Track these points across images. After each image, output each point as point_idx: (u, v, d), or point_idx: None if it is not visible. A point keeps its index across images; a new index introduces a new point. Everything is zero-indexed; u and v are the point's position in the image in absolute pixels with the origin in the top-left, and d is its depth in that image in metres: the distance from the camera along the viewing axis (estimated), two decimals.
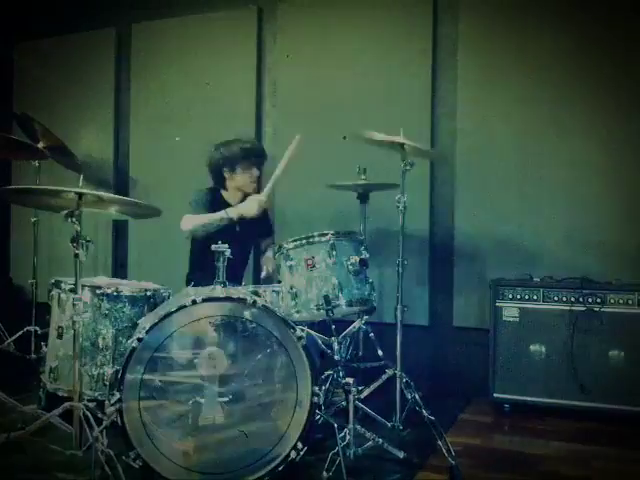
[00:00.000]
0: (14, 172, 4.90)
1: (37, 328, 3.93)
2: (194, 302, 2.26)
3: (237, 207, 3.19)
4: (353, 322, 3.05)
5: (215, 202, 3.27)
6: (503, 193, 3.65)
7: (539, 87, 3.57)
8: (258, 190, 3.34)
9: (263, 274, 3.37)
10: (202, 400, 2.29)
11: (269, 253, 3.43)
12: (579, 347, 3.18)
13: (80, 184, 2.33)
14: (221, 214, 3.12)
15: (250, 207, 3.16)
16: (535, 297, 3.30)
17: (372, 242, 3.22)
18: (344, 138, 3.72)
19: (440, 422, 2.69)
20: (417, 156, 3.01)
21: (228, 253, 2.44)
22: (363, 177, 3.21)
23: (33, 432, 2.39)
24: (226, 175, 3.34)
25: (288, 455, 2.31)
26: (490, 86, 3.68)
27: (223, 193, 3.38)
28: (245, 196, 3.29)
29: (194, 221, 3.15)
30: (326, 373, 2.84)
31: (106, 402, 2.32)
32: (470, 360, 3.72)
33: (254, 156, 3.33)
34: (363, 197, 3.38)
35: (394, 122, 3.02)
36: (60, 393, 2.72)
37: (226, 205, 3.25)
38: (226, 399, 2.30)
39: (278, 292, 2.73)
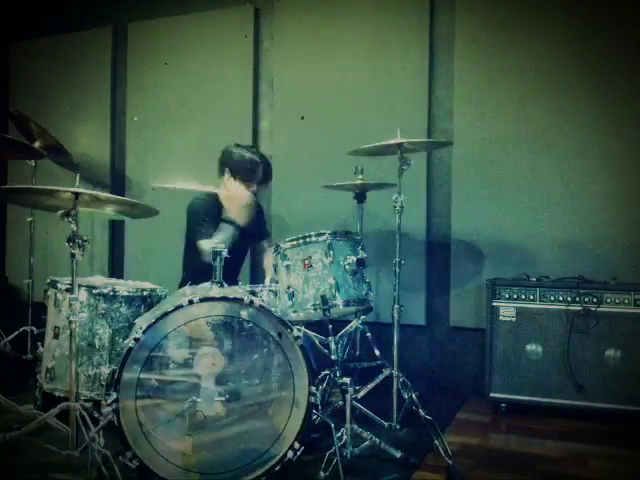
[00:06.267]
0: (10, 172, 4.88)
1: (33, 328, 3.93)
2: (191, 302, 2.25)
3: (230, 204, 3.12)
4: (350, 322, 3.04)
5: (215, 208, 3.19)
6: (500, 193, 3.65)
7: (536, 86, 3.57)
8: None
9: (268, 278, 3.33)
10: (199, 400, 2.29)
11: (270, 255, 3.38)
12: (576, 347, 3.19)
13: (76, 184, 2.33)
14: (230, 230, 3.05)
15: (242, 195, 3.10)
16: (532, 297, 3.30)
17: (369, 242, 3.23)
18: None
19: (437, 422, 2.70)
20: (417, 151, 2.99)
21: (225, 253, 2.43)
22: (360, 177, 3.21)
23: (29, 432, 2.38)
24: (226, 176, 3.23)
25: (285, 455, 2.31)
26: (487, 85, 3.68)
27: (220, 197, 3.24)
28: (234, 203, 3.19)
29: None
30: (323, 373, 2.84)
31: (102, 402, 2.32)
32: (467, 360, 3.72)
33: (257, 171, 3.23)
34: (360, 197, 3.38)
35: (391, 122, 3.03)
36: (56, 393, 2.70)
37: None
38: (223, 399, 2.30)
39: (275, 292, 2.73)
